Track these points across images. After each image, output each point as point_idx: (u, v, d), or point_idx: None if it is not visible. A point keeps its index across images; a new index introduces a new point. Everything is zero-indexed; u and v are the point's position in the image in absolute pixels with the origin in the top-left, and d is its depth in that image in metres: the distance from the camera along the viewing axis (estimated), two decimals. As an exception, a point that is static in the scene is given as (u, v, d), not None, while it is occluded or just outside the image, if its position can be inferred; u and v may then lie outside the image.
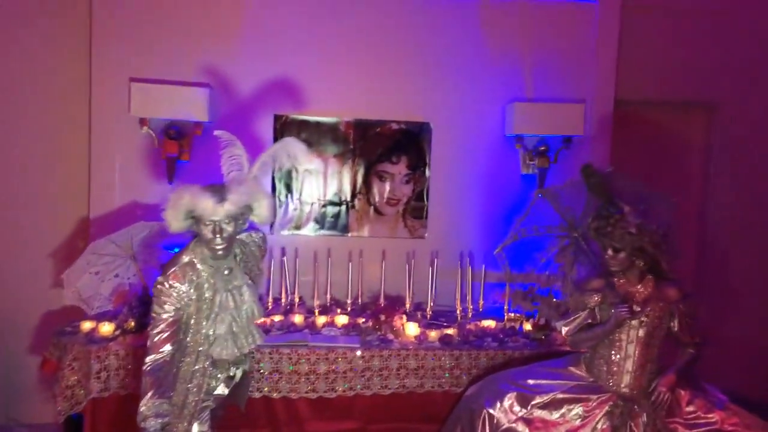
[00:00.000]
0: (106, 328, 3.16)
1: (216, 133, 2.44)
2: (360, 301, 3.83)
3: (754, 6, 4.53)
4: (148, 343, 2.29)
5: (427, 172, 4.18)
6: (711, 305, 4.65)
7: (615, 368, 2.66)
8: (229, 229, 2.31)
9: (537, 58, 4.21)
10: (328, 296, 3.76)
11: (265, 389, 3.10)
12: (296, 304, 3.67)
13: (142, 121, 3.76)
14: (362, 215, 4.16)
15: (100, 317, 3.33)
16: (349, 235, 4.15)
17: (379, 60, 4.09)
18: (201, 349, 2.39)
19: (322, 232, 4.12)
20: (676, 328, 2.68)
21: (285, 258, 3.77)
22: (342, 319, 3.52)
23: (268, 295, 3.73)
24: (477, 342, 3.33)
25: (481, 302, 3.80)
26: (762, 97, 4.57)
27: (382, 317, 3.41)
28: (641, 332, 2.63)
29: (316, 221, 4.12)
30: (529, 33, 4.19)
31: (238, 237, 2.50)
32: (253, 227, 2.52)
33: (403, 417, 3.21)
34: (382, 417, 3.19)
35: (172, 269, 2.33)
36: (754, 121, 4.58)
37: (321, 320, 3.51)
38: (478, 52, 4.16)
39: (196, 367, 2.40)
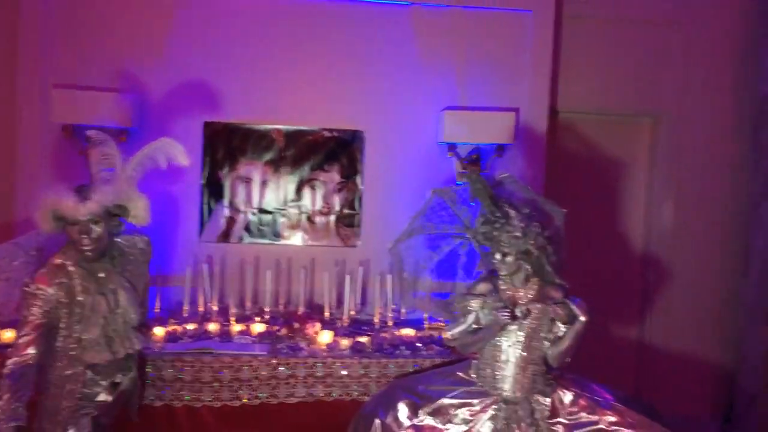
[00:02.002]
0: (9, 335, 3.10)
1: (88, 132, 2.42)
2: (283, 309, 3.78)
3: (694, 16, 4.52)
4: (13, 345, 2.25)
5: (360, 180, 4.15)
6: (654, 317, 4.63)
7: (497, 372, 2.62)
8: (97, 230, 2.27)
9: (471, 65, 4.19)
10: (248, 304, 3.70)
11: (167, 398, 3.04)
12: (214, 313, 3.62)
13: (65, 128, 3.74)
14: (294, 223, 4.12)
15: (10, 324, 3.27)
16: (280, 243, 4.11)
17: (312, 67, 4.07)
18: (73, 353, 2.35)
19: (253, 240, 4.08)
20: (552, 331, 2.61)
21: (205, 265, 3.72)
22: (258, 328, 3.46)
23: (190, 303, 3.68)
24: (389, 350, 3.27)
25: (403, 311, 3.74)
26: (702, 107, 4.55)
27: (296, 325, 3.36)
28: (521, 336, 2.59)
29: (246, 229, 4.08)
30: (463, 41, 4.17)
31: (117, 239, 2.47)
32: (132, 229, 2.48)
33: (311, 426, 3.14)
34: (290, 426, 3.13)
35: (41, 271, 2.29)
36: (695, 131, 4.55)
37: (237, 328, 3.45)
38: (411, 59, 4.15)
39: (68, 372, 2.35)
